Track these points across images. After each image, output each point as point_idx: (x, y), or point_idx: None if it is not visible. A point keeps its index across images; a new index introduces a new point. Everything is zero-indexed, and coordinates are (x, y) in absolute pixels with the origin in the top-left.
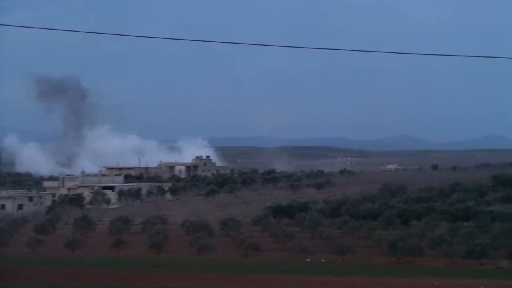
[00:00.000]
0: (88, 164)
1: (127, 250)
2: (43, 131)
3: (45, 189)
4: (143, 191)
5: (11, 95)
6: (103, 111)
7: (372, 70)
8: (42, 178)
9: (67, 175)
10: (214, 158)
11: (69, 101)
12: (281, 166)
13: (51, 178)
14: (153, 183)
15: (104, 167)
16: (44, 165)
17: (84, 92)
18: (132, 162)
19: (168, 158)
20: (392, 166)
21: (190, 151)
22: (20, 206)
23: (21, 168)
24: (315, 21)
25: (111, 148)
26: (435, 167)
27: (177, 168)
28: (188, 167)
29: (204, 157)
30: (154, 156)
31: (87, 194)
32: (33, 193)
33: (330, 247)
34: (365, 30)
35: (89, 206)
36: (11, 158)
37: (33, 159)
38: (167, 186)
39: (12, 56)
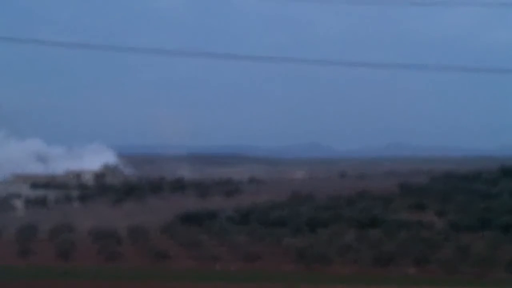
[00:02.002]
0: None
1: (35, 258)
2: None
3: None
4: (51, 199)
5: None
6: (2, 117)
7: (278, 77)
8: None
9: None
10: (122, 166)
11: None
12: (189, 173)
13: None
14: (60, 191)
15: (10, 174)
16: None
17: None
18: (38, 169)
19: (75, 165)
20: (300, 174)
21: (96, 159)
22: None
23: None
24: (212, 29)
25: (12, 155)
26: (342, 175)
27: (84, 175)
28: (96, 175)
29: (112, 165)
30: (60, 163)
31: None
32: None
33: (240, 255)
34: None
35: None
36: None
37: None
38: (74, 193)
39: None
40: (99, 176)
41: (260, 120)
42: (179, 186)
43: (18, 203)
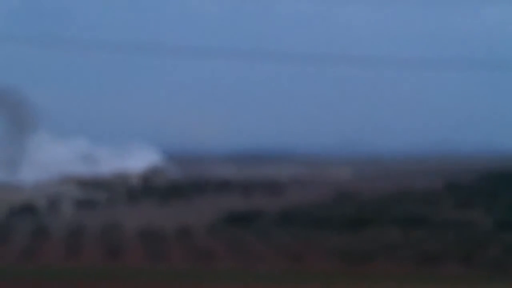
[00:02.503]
0: (37, 172)
1: (83, 259)
2: None
3: None
4: (97, 200)
5: None
6: (46, 117)
7: (318, 75)
8: None
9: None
10: (167, 166)
11: (5, 109)
12: (232, 173)
13: None
14: (107, 191)
15: (56, 175)
16: None
17: (22, 99)
18: (84, 169)
19: (120, 165)
20: (343, 173)
21: (141, 159)
22: None
23: None
24: (247, 28)
25: (58, 155)
26: (387, 173)
27: (130, 176)
28: (141, 175)
29: (157, 165)
30: (106, 163)
31: (40, 203)
32: None
33: (284, 255)
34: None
35: (42, 215)
36: None
37: None
38: (121, 194)
39: None
40: (145, 176)
41: (302, 118)
42: (223, 186)
43: (65, 204)
